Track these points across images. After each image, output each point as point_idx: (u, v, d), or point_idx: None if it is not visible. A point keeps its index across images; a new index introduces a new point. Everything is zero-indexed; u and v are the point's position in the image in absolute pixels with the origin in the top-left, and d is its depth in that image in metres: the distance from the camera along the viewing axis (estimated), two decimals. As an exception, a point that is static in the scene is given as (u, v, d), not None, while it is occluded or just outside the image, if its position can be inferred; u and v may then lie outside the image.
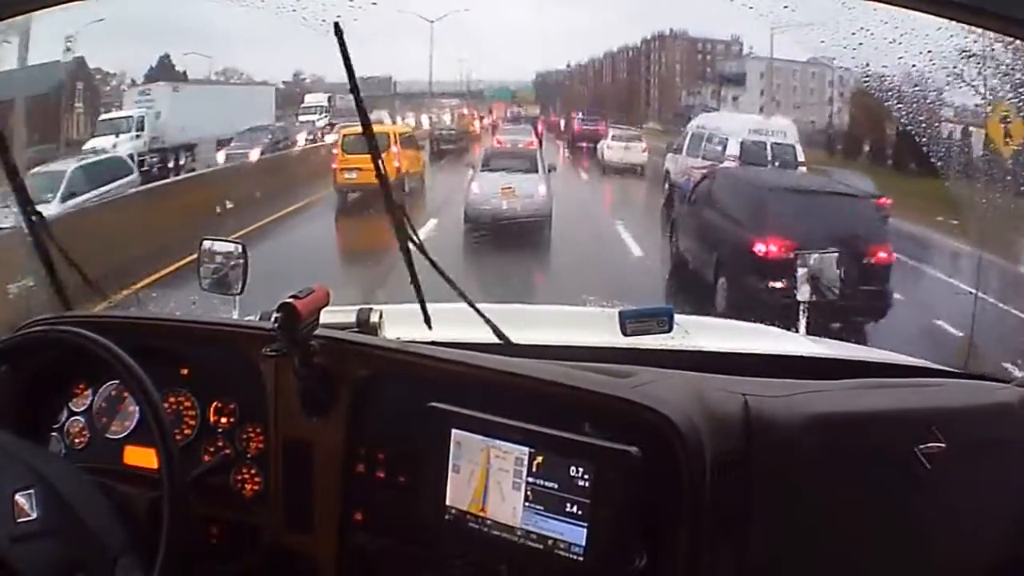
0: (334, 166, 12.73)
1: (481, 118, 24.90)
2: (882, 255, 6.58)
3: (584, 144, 21.14)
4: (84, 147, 14.26)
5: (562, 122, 24.65)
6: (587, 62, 28.48)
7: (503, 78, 25.85)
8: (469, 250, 9.58)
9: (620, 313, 1.63)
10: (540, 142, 18.96)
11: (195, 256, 1.91)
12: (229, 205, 10.22)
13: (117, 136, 15.00)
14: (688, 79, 25.43)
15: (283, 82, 23.07)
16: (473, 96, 25.80)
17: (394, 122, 18.05)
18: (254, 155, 14.95)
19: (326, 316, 1.31)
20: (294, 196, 12.56)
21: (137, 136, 15.42)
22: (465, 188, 11.06)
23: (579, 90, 27.90)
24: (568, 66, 28.31)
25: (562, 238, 10.06)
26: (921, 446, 1.25)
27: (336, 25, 1.36)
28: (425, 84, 24.23)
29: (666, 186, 13.53)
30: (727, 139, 12.18)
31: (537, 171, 11.32)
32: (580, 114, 23.66)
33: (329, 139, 17.43)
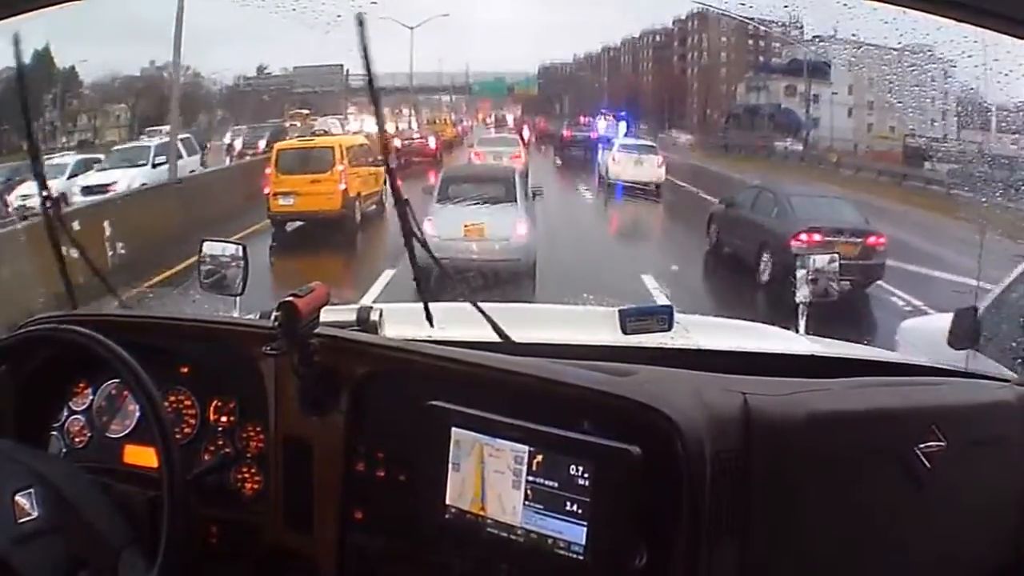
0: (267, 190, 10.47)
1: (455, 123, 20.33)
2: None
3: (575, 153, 18.28)
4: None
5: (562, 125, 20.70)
6: (600, 50, 23.19)
7: (499, 69, 20.43)
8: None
9: (620, 312, 1.64)
10: (527, 150, 16.20)
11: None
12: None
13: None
14: (737, 70, 20.11)
15: (245, 78, 21.74)
16: (458, 91, 20.99)
17: (344, 130, 15.43)
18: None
19: (326, 315, 1.31)
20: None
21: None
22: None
23: (592, 82, 23.09)
24: (575, 58, 23.38)
25: (554, 301, 6.13)
26: (921, 445, 1.25)
27: (358, 16, 1.33)
28: (393, 76, 18.95)
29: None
30: None
31: (514, 199, 8.54)
32: (567, 120, 20.41)
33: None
